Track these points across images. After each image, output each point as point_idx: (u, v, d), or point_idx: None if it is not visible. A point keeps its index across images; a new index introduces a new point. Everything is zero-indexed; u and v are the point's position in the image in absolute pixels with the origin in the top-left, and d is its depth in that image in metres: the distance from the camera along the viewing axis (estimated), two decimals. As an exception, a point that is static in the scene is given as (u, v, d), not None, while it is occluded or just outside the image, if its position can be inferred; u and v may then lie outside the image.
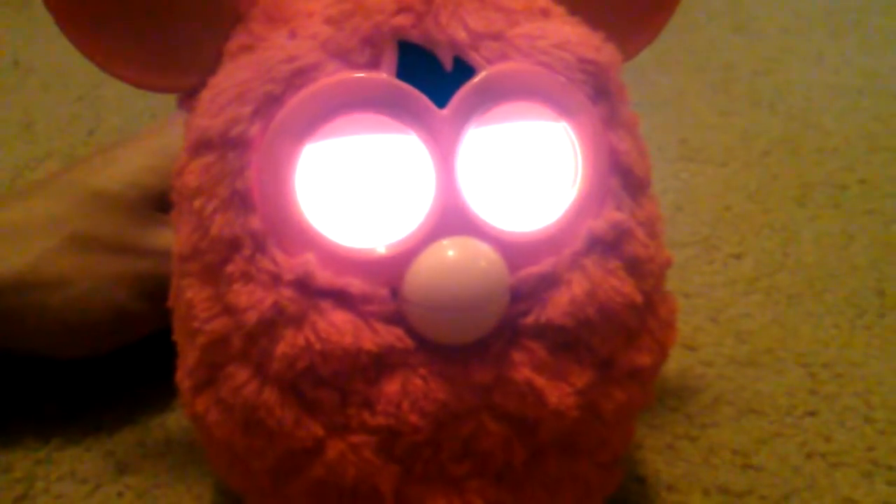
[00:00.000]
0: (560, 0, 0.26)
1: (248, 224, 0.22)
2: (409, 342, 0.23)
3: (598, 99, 0.24)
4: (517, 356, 0.23)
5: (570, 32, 0.24)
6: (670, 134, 0.59)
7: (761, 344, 0.41)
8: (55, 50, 0.66)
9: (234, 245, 0.22)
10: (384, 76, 0.22)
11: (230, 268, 0.22)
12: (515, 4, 0.24)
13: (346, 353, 0.22)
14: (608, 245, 0.24)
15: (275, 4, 0.24)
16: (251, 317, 0.22)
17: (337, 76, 0.22)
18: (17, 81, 0.64)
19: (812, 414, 0.37)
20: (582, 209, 0.24)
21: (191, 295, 0.23)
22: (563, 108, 0.24)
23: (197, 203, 0.23)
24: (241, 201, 0.22)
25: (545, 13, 0.25)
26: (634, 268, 0.24)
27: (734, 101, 0.64)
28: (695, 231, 0.49)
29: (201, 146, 0.23)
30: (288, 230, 0.22)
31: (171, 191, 0.25)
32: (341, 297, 0.22)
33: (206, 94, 0.23)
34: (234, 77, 0.23)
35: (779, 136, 0.59)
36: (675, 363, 0.40)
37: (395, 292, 0.23)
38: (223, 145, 0.22)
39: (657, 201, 0.26)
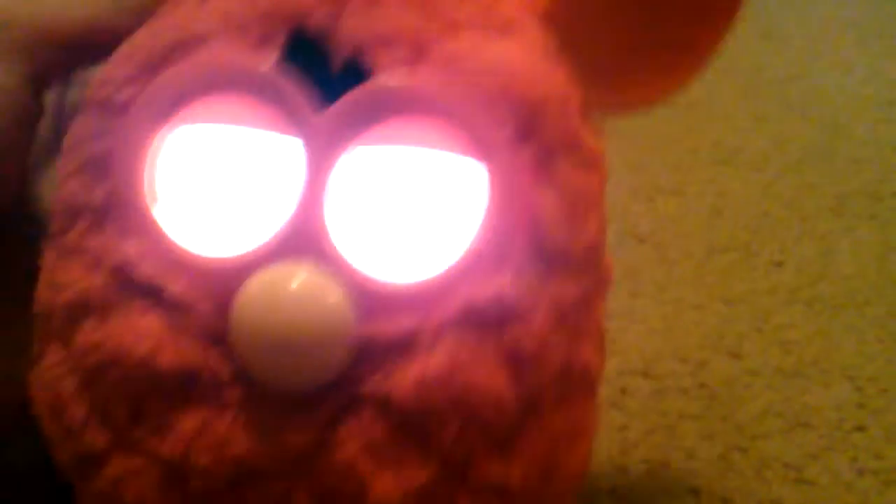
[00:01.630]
0: (561, 26, 0.22)
1: (92, 196, 0.20)
2: (221, 372, 0.19)
3: (525, 144, 0.20)
4: (348, 428, 0.19)
5: (511, 58, 0.20)
6: (703, 136, 0.59)
7: (806, 355, 0.40)
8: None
9: (75, 214, 0.21)
10: (259, 64, 0.20)
11: (66, 238, 0.21)
12: (462, 14, 0.20)
13: (137, 364, 0.19)
14: (487, 323, 0.19)
15: None
16: (65, 297, 0.20)
17: (207, 54, 0.20)
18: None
19: (861, 429, 0.37)
20: (468, 271, 0.19)
21: (44, 258, 0.21)
22: (471, 142, 0.19)
23: (59, 161, 0.21)
24: (94, 169, 0.20)
25: (503, 30, 0.21)
26: (515, 361, 0.19)
27: (765, 105, 0.64)
28: (734, 236, 0.48)
29: (84, 103, 0.21)
30: (127, 212, 0.20)
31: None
32: (159, 300, 0.20)
33: (115, 51, 0.22)
34: (134, 37, 0.21)
35: (812, 143, 0.58)
36: (722, 371, 0.39)
37: (225, 310, 0.19)
38: (94, 106, 0.21)
39: (594, 293, 0.21)
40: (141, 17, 0.22)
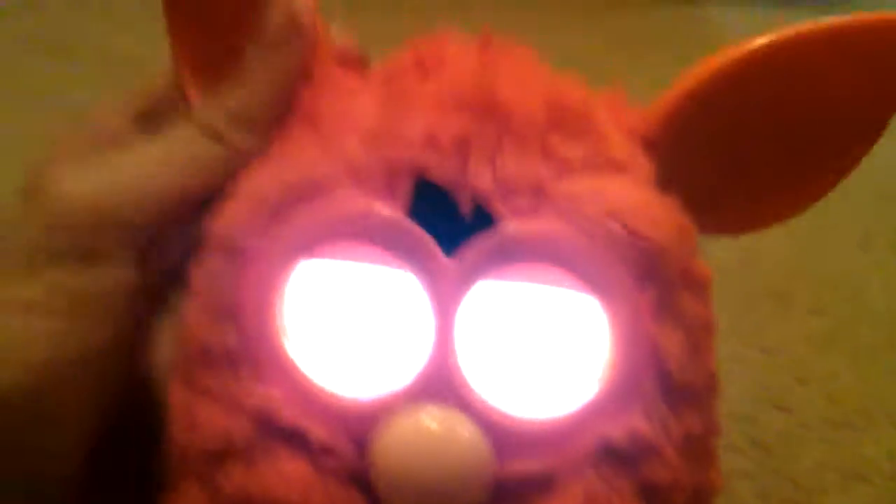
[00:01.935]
0: (663, 156, 0.22)
1: (225, 339, 0.21)
2: None
3: (647, 283, 0.20)
4: None
5: (631, 197, 0.20)
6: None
7: (852, 403, 0.41)
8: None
9: (207, 357, 0.21)
10: (390, 212, 0.20)
11: (199, 381, 0.21)
12: (577, 151, 0.21)
13: None
14: (622, 459, 0.20)
15: (314, 102, 0.22)
16: (206, 439, 0.20)
17: (341, 203, 0.20)
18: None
19: (916, 479, 0.37)
20: (600, 408, 0.20)
21: (171, 395, 0.22)
22: (595, 286, 0.20)
23: (188, 303, 0.22)
24: (224, 313, 0.21)
25: (617, 167, 0.21)
26: (650, 493, 0.20)
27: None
28: (767, 285, 0.49)
29: (208, 246, 0.22)
30: (262, 354, 0.20)
31: None
32: (302, 443, 0.20)
33: (233, 193, 0.22)
34: (251, 180, 0.22)
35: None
36: (772, 425, 0.39)
37: (364, 450, 0.20)
38: (220, 250, 0.21)
39: (714, 416, 0.22)
40: (198, 172, 0.23)
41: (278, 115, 0.23)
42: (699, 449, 0.21)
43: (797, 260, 0.51)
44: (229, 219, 0.21)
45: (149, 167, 0.23)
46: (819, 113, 0.23)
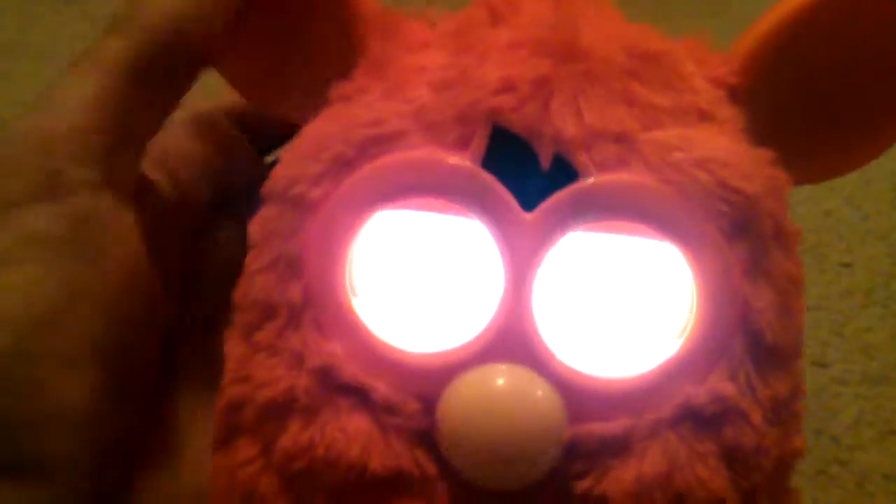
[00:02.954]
0: (749, 104, 0.21)
1: (288, 293, 0.20)
2: (430, 469, 0.19)
3: (738, 237, 0.19)
4: None
5: (721, 147, 0.19)
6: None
7: (890, 359, 0.41)
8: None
9: (268, 311, 0.20)
10: (464, 163, 0.19)
11: (259, 335, 0.20)
12: (664, 100, 0.20)
13: (349, 467, 0.19)
14: (705, 421, 0.19)
15: (384, 53, 0.22)
16: (265, 394, 0.20)
17: (413, 153, 0.19)
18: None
19: (953, 435, 0.37)
20: (682, 367, 0.19)
21: (227, 348, 0.21)
22: (684, 241, 0.19)
23: (248, 256, 0.21)
24: (287, 266, 0.20)
25: (704, 116, 0.20)
26: (735, 458, 0.19)
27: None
28: (802, 238, 0.48)
29: (268, 196, 0.21)
30: (327, 309, 0.20)
31: None
32: (365, 399, 0.19)
33: (293, 143, 0.21)
34: (316, 130, 0.21)
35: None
36: (810, 382, 0.39)
37: (431, 408, 0.19)
38: (283, 201, 0.20)
39: (800, 379, 0.21)
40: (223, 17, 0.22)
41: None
42: (785, 413, 0.20)
43: (828, 214, 0.51)
44: (292, 169, 0.20)
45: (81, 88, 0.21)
46: None
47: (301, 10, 0.23)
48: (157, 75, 0.21)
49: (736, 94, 0.21)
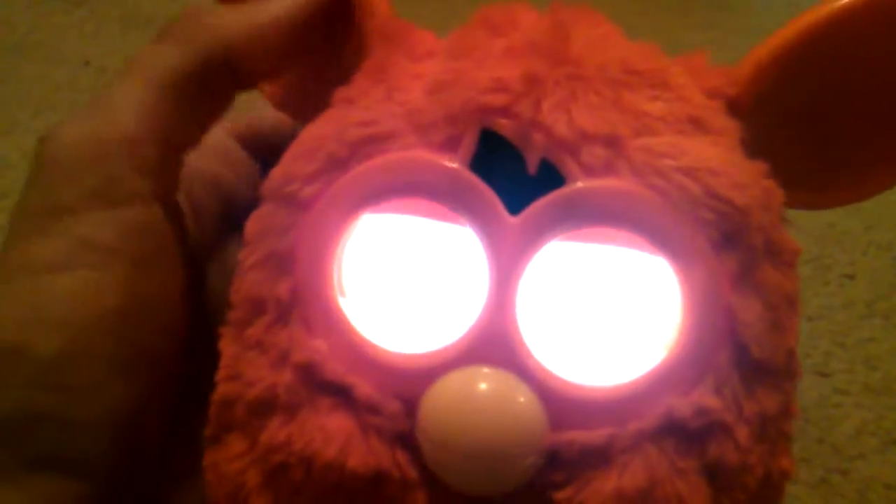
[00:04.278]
0: (750, 119, 0.21)
1: (277, 290, 0.20)
2: (410, 474, 0.19)
3: (726, 248, 0.19)
4: None
5: (712, 157, 0.19)
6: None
7: (892, 369, 0.41)
8: (124, 49, 0.65)
9: (258, 307, 0.20)
10: (451, 164, 0.19)
11: (250, 331, 0.20)
12: (655, 108, 0.19)
13: (326, 465, 0.18)
14: (688, 435, 0.18)
15: (386, 58, 0.22)
16: (251, 391, 0.19)
17: (400, 154, 0.19)
18: (90, 82, 0.62)
19: (955, 445, 0.37)
20: (667, 378, 0.18)
21: (221, 345, 0.21)
22: (670, 250, 0.18)
23: (242, 253, 0.21)
24: (277, 263, 0.20)
25: (697, 126, 0.20)
26: (717, 475, 0.18)
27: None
28: (805, 249, 0.49)
29: (264, 194, 0.21)
30: (315, 307, 0.20)
31: None
32: (347, 398, 0.19)
33: (293, 143, 0.21)
34: (313, 130, 0.21)
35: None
36: (812, 391, 0.39)
37: (413, 408, 0.19)
38: (278, 199, 0.20)
39: (791, 399, 0.20)
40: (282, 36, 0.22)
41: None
42: (773, 431, 0.19)
43: (832, 226, 0.51)
44: (288, 168, 0.20)
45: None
46: None
47: (336, 30, 0.24)
48: (202, 92, 0.22)
49: (735, 106, 0.21)
